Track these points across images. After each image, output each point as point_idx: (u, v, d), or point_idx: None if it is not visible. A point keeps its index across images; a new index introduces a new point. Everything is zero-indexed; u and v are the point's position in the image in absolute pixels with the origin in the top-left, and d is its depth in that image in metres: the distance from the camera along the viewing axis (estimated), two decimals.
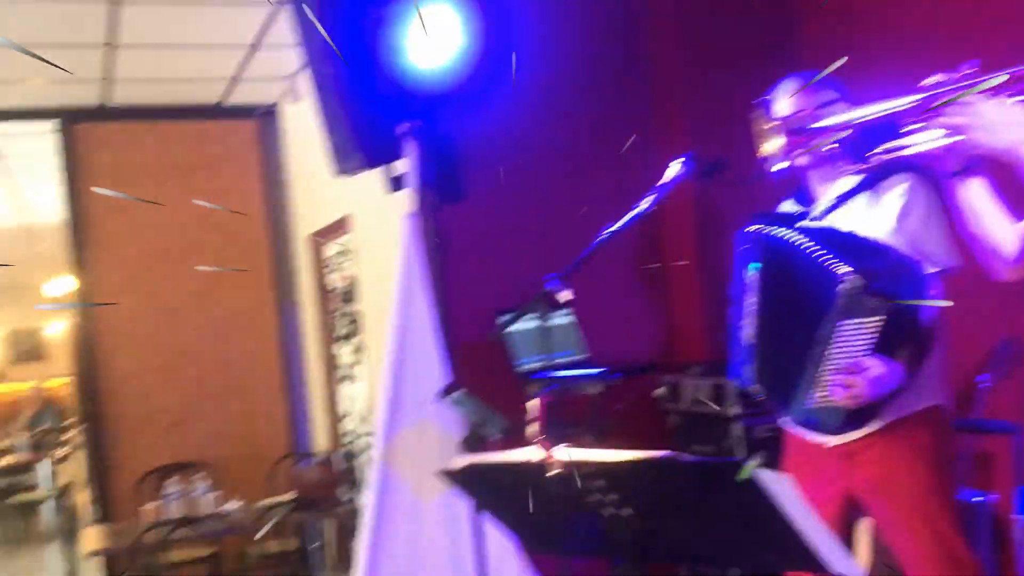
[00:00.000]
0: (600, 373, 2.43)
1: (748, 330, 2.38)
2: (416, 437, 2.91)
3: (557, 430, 1.77)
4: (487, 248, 3.38)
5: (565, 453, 1.60)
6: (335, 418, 5.62)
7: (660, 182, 2.36)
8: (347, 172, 3.28)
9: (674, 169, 2.36)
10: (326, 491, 4.74)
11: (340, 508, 4.69)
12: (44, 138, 5.98)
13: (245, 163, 6.04)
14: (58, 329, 18.15)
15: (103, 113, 5.70)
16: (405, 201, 3.05)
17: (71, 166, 5.69)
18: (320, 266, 5.67)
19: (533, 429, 1.90)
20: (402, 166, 3.09)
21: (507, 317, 2.88)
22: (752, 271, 2.37)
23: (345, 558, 4.80)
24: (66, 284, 13.53)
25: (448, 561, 2.80)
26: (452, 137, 3.09)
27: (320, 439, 5.86)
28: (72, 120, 5.67)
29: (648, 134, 3.63)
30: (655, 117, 3.89)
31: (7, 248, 11.92)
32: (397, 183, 3.16)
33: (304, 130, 5.59)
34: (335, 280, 5.54)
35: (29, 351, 18.06)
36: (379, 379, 4.35)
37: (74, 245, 5.74)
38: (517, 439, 2.17)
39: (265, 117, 6.03)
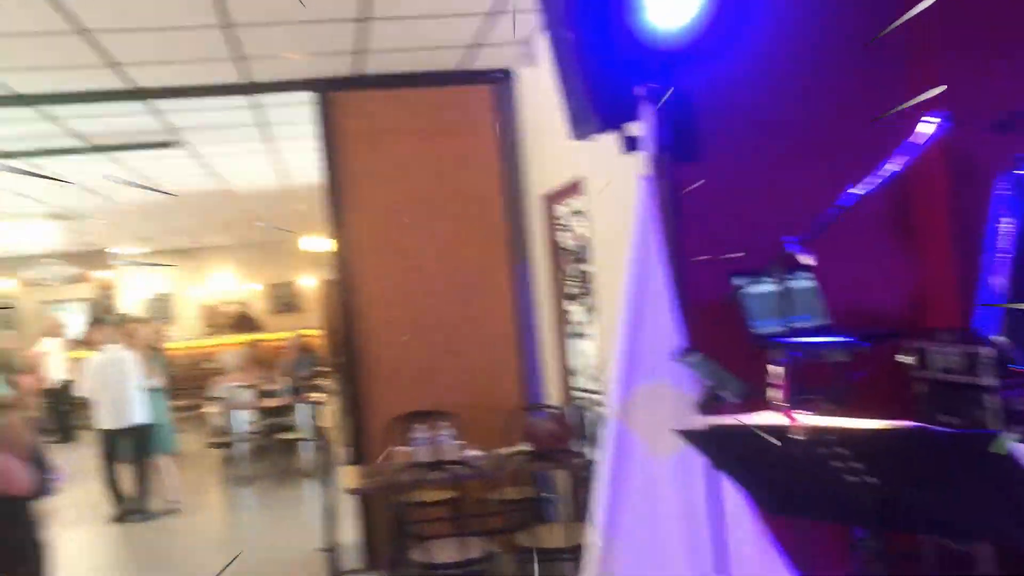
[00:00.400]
0: (847, 341, 2.36)
1: (1001, 279, 2.24)
2: (651, 396, 2.96)
3: (800, 396, 1.76)
4: (723, 209, 3.33)
5: (809, 419, 1.60)
6: (566, 373, 5.78)
7: (911, 140, 2.25)
8: (583, 135, 3.35)
9: (928, 127, 2.24)
10: (558, 443, 4.91)
11: (572, 460, 4.84)
12: (302, 107, 6.49)
13: (483, 126, 6.26)
14: (312, 284, 19.70)
15: (354, 82, 6.07)
16: (640, 163, 3.08)
17: (327, 132, 6.11)
18: (552, 226, 5.81)
19: (775, 394, 1.89)
20: (638, 128, 3.11)
21: (744, 279, 2.86)
22: (1010, 217, 2.22)
23: (579, 507, 4.96)
24: (321, 242, 14.63)
25: (682, 518, 2.85)
26: (690, 97, 3.07)
27: (552, 393, 6.04)
28: (327, 89, 6.08)
29: (898, 94, 3.42)
30: (908, 76, 3.65)
31: (271, 207, 13.02)
32: (632, 144, 3.19)
33: (539, 93, 5.72)
34: (567, 240, 5.66)
35: (287, 303, 19.76)
36: (609, 338, 4.44)
37: (329, 206, 6.16)
38: (754, 402, 2.17)
39: (502, 81, 6.21)
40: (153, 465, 8.49)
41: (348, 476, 5.37)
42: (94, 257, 17.04)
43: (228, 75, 5.70)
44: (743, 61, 2.89)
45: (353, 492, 5.28)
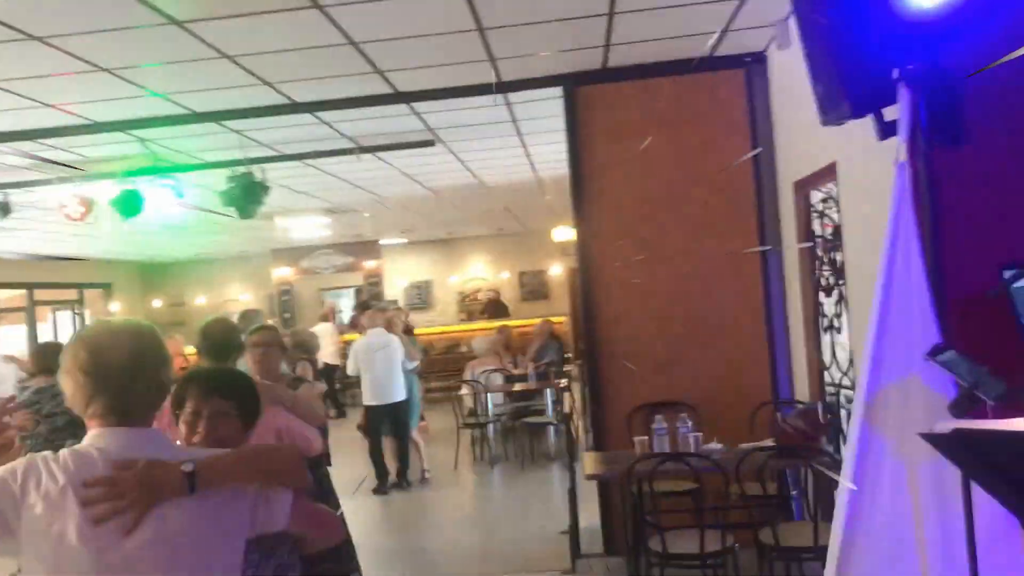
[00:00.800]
0: None
1: None
2: (900, 395, 2.80)
3: None
4: (989, 197, 3.08)
5: None
6: (818, 368, 5.56)
7: None
8: (834, 120, 3.21)
9: None
10: (806, 440, 4.74)
11: (820, 458, 4.67)
12: (551, 103, 6.67)
13: (732, 112, 6.13)
14: (559, 272, 20.14)
15: (601, 75, 6.16)
16: (896, 148, 2.91)
17: (573, 125, 6.25)
18: (805, 214, 5.60)
19: None
20: (893, 112, 2.95)
21: (1014, 272, 2.63)
22: None
23: (824, 507, 4.78)
24: (569, 232, 14.92)
25: (936, 526, 2.68)
26: (951, 77, 2.86)
27: (802, 388, 5.84)
28: (574, 84, 6.21)
29: None
30: None
31: (523, 199, 13.45)
32: (888, 129, 3.02)
33: (791, 77, 5.52)
34: (820, 228, 5.44)
35: (535, 290, 20.35)
36: (862, 331, 4.23)
37: (574, 196, 6.30)
38: (1015, 406, 2.00)
39: (753, 66, 6.05)
40: (410, 440, 9.17)
41: (588, 462, 5.49)
42: (363, 248, 18.41)
43: (481, 76, 5.97)
44: (1010, 36, 2.65)
45: (592, 478, 5.39)
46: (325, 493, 4.14)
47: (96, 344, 1.99)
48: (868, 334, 2.88)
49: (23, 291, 16.94)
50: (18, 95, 5.56)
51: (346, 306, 18.72)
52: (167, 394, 2.14)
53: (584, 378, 13.16)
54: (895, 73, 2.86)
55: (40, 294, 17.39)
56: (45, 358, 6.00)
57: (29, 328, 17.18)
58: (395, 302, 18.18)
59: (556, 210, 15.46)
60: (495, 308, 19.95)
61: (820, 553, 4.36)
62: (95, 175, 7.45)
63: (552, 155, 9.00)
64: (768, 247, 6.09)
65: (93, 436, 1.97)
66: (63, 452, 1.93)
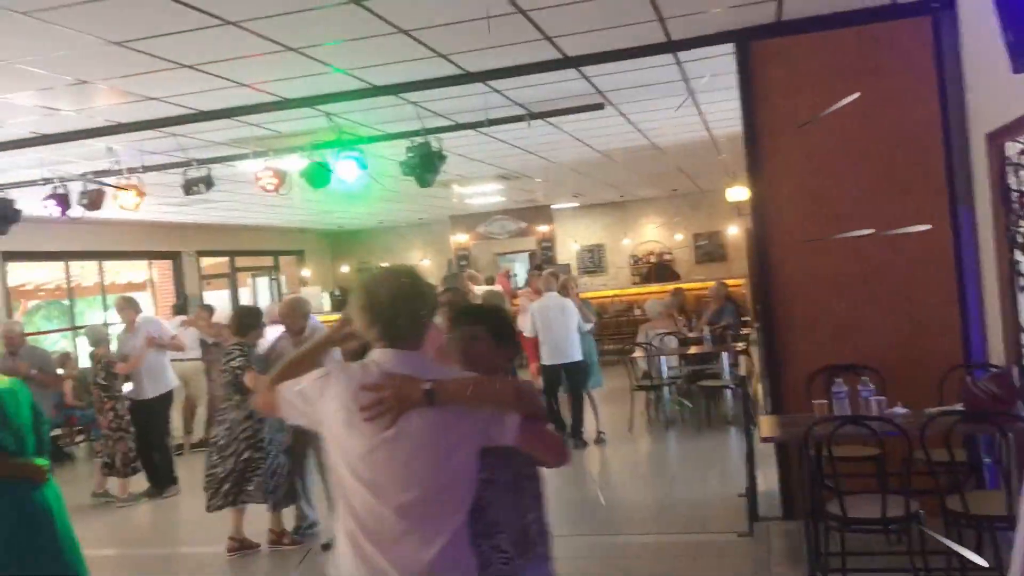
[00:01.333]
0: None
1: None
2: None
3: None
4: None
5: None
6: (1015, 329, 5.22)
7: None
8: None
9: None
10: (1000, 405, 4.49)
11: (1016, 424, 4.42)
12: (721, 60, 6.53)
13: (917, 61, 5.78)
14: (736, 233, 19.68)
15: (775, 29, 5.96)
16: None
17: (747, 82, 6.09)
18: (999, 167, 5.24)
19: None
20: None
21: None
22: None
23: (1020, 476, 4.53)
24: (743, 192, 14.56)
25: None
26: None
27: (995, 351, 5.51)
28: (748, 39, 6.02)
29: None
30: None
31: (696, 159, 13.24)
32: None
33: (983, 21, 5.16)
34: (1015, 183, 5.08)
35: (711, 253, 19.98)
36: None
37: (748, 155, 6.14)
38: None
39: (941, 12, 5.69)
40: (586, 399, 9.35)
41: (766, 425, 5.42)
42: (535, 212, 18.67)
43: (649, 36, 5.92)
44: None
45: (770, 441, 5.32)
46: None
47: (369, 287, 2.56)
48: None
49: (226, 258, 18.30)
50: (217, 76, 6.02)
51: (519, 270, 19.07)
52: (425, 326, 2.60)
53: (762, 342, 12.90)
54: None
55: (240, 261, 18.73)
56: (241, 319, 6.56)
57: (231, 292, 18.56)
58: (567, 266, 18.38)
59: (732, 169, 15.11)
60: (661, 271, 19.78)
61: (1011, 523, 4.16)
62: (286, 149, 7.94)
63: (726, 113, 8.81)
64: (959, 202, 5.75)
65: (374, 354, 2.56)
66: (354, 364, 2.57)
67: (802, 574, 5.11)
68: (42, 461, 4.19)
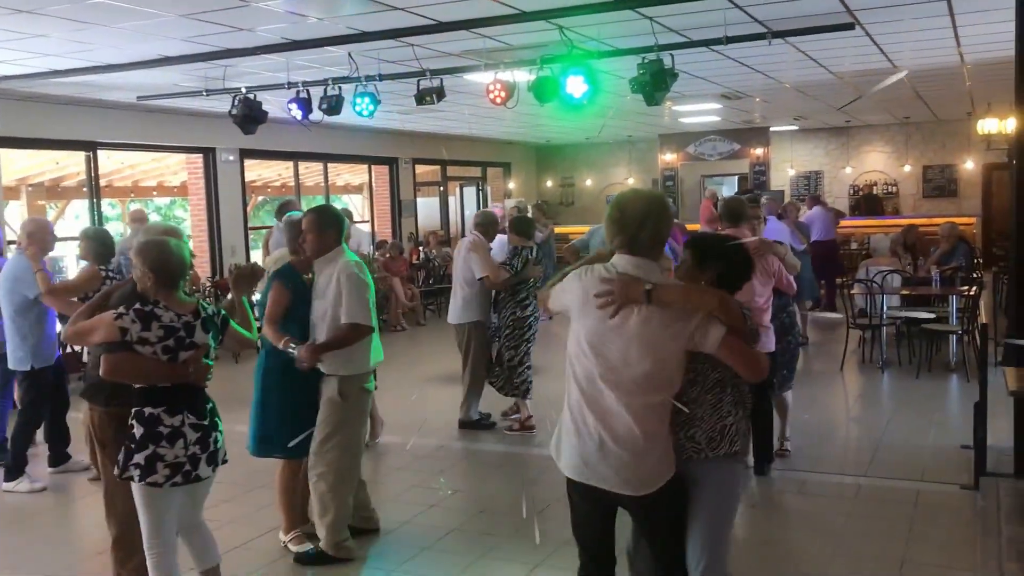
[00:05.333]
0: None
1: None
2: None
3: None
4: None
5: None
6: None
7: None
8: None
9: None
10: None
11: None
12: None
13: None
14: (972, 168, 18.22)
15: None
16: None
17: None
18: None
19: None
20: None
21: None
22: None
23: None
24: (999, 124, 13.41)
25: None
26: None
27: None
28: None
29: None
30: None
31: (938, 84, 12.26)
32: None
33: None
34: None
35: (941, 187, 18.62)
36: None
37: (1020, 80, 5.57)
38: None
39: None
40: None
41: (1011, 377, 5.07)
42: (751, 134, 17.97)
43: None
44: None
45: (1014, 395, 4.98)
46: (788, 327, 6.30)
47: (623, 204, 3.07)
48: None
49: (438, 167, 18.86)
50: None
51: (727, 193, 18.51)
52: (663, 243, 3.10)
53: (995, 287, 12.02)
54: None
55: (451, 170, 19.25)
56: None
57: (441, 200, 19.17)
58: (781, 192, 17.66)
59: (976, 98, 13.90)
60: (868, 203, 18.66)
61: None
62: (516, 62, 7.99)
63: (986, 35, 8.06)
64: None
65: (615, 258, 3.08)
66: (599, 265, 3.11)
67: None
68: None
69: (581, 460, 3.05)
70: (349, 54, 7.99)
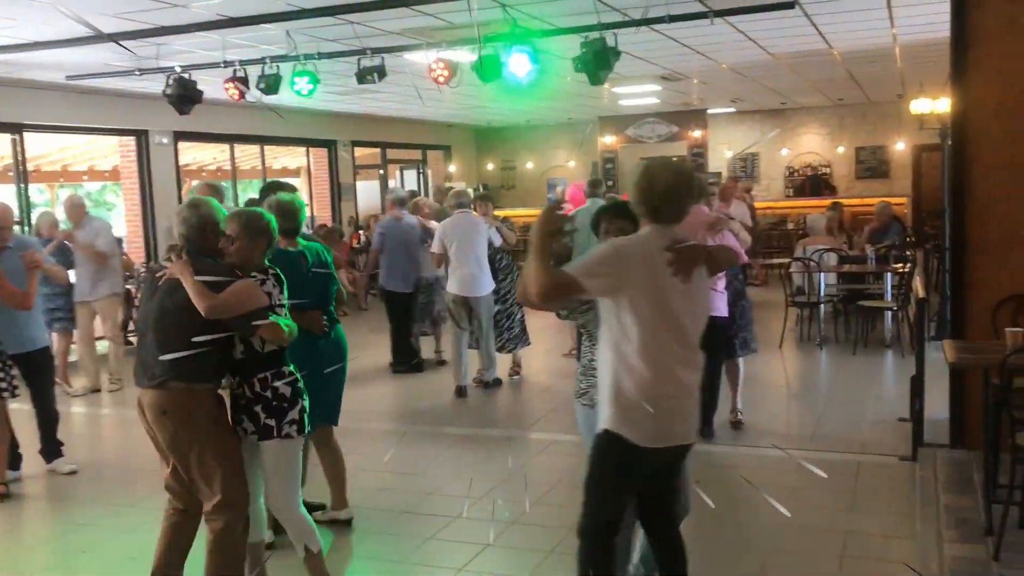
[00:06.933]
0: None
1: None
2: None
3: None
4: None
5: None
6: None
7: None
8: None
9: None
10: None
11: None
12: None
13: None
14: (903, 149, 18.65)
15: None
16: None
17: None
18: None
19: None
20: None
21: None
22: None
23: None
24: (930, 104, 13.71)
25: None
26: None
27: None
28: None
29: None
30: None
31: (869, 67, 12.47)
32: None
33: None
34: None
35: (873, 167, 19.03)
36: None
37: (955, 63, 5.66)
38: None
39: None
40: None
41: (948, 349, 5.19)
42: (689, 116, 18.13)
43: None
44: None
45: (957, 366, 5.10)
46: (741, 292, 7.00)
47: (651, 175, 3.20)
48: None
49: (377, 150, 18.65)
50: None
51: None
52: (687, 211, 3.28)
53: (926, 264, 12.32)
54: None
55: (391, 153, 19.06)
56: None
57: (382, 183, 18.99)
58: (718, 174, 17.88)
59: (907, 81, 14.21)
60: (813, 184, 19.01)
61: None
62: (459, 41, 7.91)
63: (919, 17, 8.22)
64: None
65: (645, 229, 3.25)
66: (631, 238, 3.28)
67: (971, 502, 4.97)
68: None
69: (669, 428, 3.22)
70: (287, 32, 7.82)
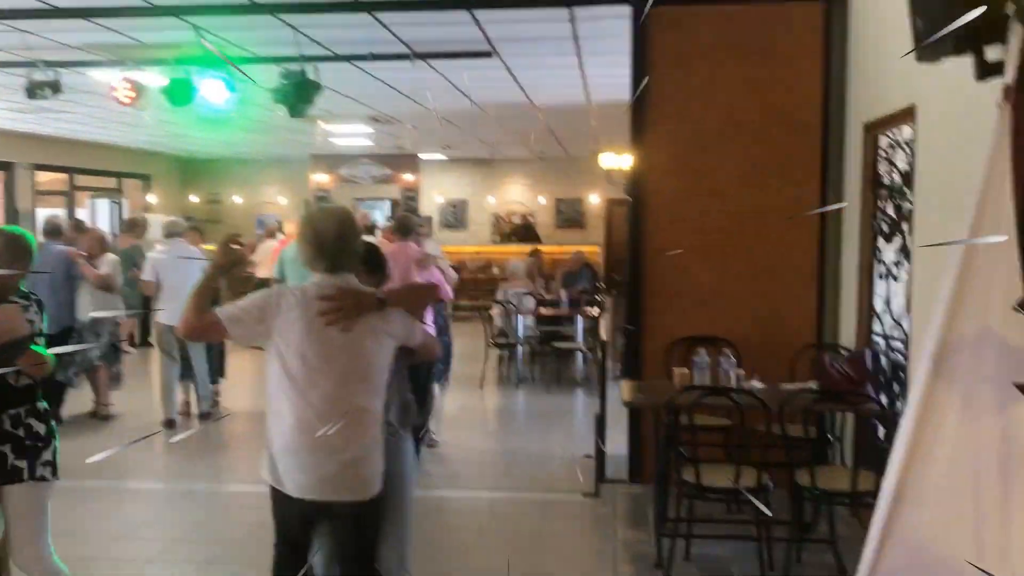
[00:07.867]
0: None
1: None
2: (974, 345, 2.72)
3: None
4: None
5: None
6: (867, 315, 5.46)
7: None
8: (931, 57, 3.07)
9: None
10: (851, 385, 4.68)
11: (865, 404, 4.61)
12: (617, 22, 6.45)
13: (806, 46, 5.90)
14: (597, 202, 19.94)
15: None
16: (998, 90, 2.77)
17: (640, 46, 6.01)
18: (872, 157, 5.43)
19: None
20: (1000, 51, 2.80)
21: None
22: None
23: (862, 455, 4.74)
24: (614, 160, 14.65)
25: (997, 484, 2.61)
26: None
27: (847, 333, 5.75)
28: (644, 3, 5.92)
29: None
30: None
31: (569, 122, 13.20)
32: (989, 69, 2.87)
33: (875, 13, 5.30)
34: (887, 174, 5.27)
35: (571, 218, 20.19)
36: (927, 279, 4.12)
37: (635, 122, 6.10)
38: None
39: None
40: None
41: (625, 390, 5.46)
42: (402, 160, 18.27)
43: None
44: None
45: (631, 405, 5.38)
46: (444, 328, 7.17)
47: (317, 225, 3.08)
48: (946, 280, 2.79)
49: (64, 175, 17.01)
50: None
51: (380, 217, 18.64)
52: (357, 257, 3.18)
53: (615, 308, 13.16)
54: (1009, 9, 2.71)
55: (80, 180, 17.45)
56: None
57: (68, 212, 17.30)
58: (429, 219, 18.14)
59: (600, 138, 15.22)
60: (525, 232, 19.86)
61: (857, 500, 4.35)
62: (147, 61, 7.36)
63: (607, 78, 8.78)
64: (831, 189, 5.94)
65: (316, 278, 3.07)
66: (298, 286, 3.10)
67: (646, 536, 5.22)
68: None
69: (312, 479, 3.02)
70: None
